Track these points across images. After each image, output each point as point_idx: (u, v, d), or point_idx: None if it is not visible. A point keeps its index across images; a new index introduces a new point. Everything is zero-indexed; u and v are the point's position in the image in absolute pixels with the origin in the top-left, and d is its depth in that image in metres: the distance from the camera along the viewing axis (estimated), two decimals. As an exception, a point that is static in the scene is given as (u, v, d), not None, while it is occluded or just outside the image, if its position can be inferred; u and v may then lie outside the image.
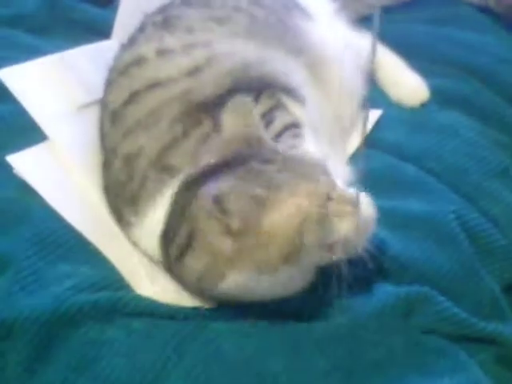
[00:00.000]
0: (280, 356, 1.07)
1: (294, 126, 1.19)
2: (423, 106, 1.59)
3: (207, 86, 1.24)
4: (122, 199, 1.21)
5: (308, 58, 1.39)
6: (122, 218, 1.21)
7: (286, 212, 1.04)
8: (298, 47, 1.39)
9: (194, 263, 1.09)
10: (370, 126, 1.49)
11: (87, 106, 1.45)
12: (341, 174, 1.24)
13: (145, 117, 1.23)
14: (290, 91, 1.25)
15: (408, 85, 1.62)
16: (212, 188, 1.05)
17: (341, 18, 1.63)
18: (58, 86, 1.47)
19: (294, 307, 1.13)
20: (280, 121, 1.19)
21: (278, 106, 1.22)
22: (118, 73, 1.34)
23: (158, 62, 1.29)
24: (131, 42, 1.41)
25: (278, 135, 1.16)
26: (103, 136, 1.31)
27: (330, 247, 1.07)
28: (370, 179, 1.29)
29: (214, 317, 1.11)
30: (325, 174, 1.10)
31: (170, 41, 1.33)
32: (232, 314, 1.11)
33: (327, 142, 1.32)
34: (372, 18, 0.85)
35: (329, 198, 1.06)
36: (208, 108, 1.20)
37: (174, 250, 1.11)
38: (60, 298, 1.10)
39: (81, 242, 1.20)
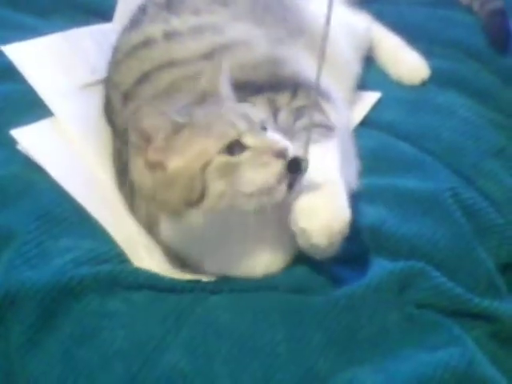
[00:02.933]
0: (278, 328, 1.09)
1: (325, 127, 1.18)
2: (423, 85, 1.61)
3: (233, 71, 1.23)
4: None
5: (307, 36, 1.40)
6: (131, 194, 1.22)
7: (190, 152, 1.04)
8: (297, 26, 1.41)
9: (139, 210, 1.14)
10: (368, 107, 1.51)
11: (90, 85, 1.47)
12: None
13: (164, 89, 1.25)
14: (323, 93, 1.26)
15: (408, 63, 1.64)
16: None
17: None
18: (62, 64, 1.49)
19: (293, 281, 1.15)
20: (311, 117, 1.17)
21: (315, 105, 1.19)
22: (124, 54, 1.36)
23: (167, 44, 1.31)
24: (134, 23, 1.42)
25: (305, 128, 1.14)
26: (113, 114, 1.34)
27: (251, 197, 1.03)
28: (368, 157, 1.32)
29: (212, 289, 1.13)
30: (249, 121, 1.06)
31: (177, 23, 1.34)
32: (231, 287, 1.13)
33: None
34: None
35: (243, 146, 1.03)
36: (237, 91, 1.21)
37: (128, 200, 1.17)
38: (62, 270, 1.12)
39: (83, 216, 1.21)
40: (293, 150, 1.03)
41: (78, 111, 1.41)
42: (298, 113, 1.19)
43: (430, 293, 1.15)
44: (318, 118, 1.18)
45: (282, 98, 1.22)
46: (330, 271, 1.16)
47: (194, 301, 1.11)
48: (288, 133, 1.14)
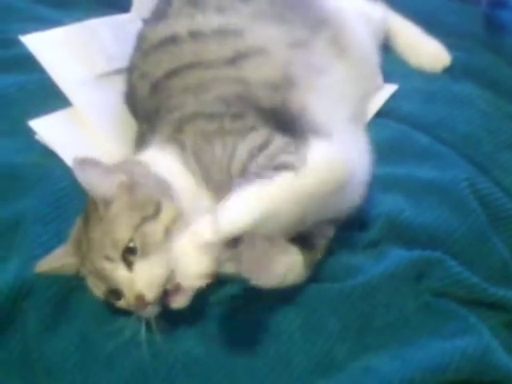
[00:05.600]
0: (294, 315, 1.10)
1: (277, 168, 1.10)
2: (440, 75, 1.61)
3: (258, 87, 1.25)
4: None
5: (329, 28, 1.40)
6: None
7: None
8: (319, 19, 1.40)
9: None
10: (384, 99, 1.51)
11: (107, 74, 1.48)
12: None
13: (194, 84, 1.26)
14: (317, 130, 1.21)
15: (429, 51, 1.64)
16: None
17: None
18: (80, 54, 1.50)
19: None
20: (276, 160, 1.13)
21: (286, 146, 1.17)
22: (152, 46, 1.37)
23: (194, 44, 1.32)
24: (160, 15, 1.43)
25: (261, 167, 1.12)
26: (138, 100, 1.35)
27: None
28: (385, 148, 1.33)
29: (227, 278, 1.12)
30: None
31: (201, 21, 1.34)
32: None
33: (349, 111, 1.33)
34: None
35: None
36: (256, 113, 1.22)
37: None
38: (79, 258, 1.13)
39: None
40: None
41: (95, 101, 1.43)
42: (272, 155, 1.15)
43: (447, 282, 1.15)
44: (283, 158, 1.13)
45: (279, 141, 1.17)
46: (346, 260, 1.17)
47: (209, 289, 1.11)
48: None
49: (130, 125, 1.37)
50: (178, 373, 1.05)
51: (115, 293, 1.07)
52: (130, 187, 1.09)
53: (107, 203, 1.07)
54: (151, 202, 1.08)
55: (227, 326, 1.09)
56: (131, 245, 1.05)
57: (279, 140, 1.17)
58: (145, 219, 1.06)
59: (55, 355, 1.09)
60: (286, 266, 1.08)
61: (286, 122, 1.21)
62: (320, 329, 1.09)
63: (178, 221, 1.08)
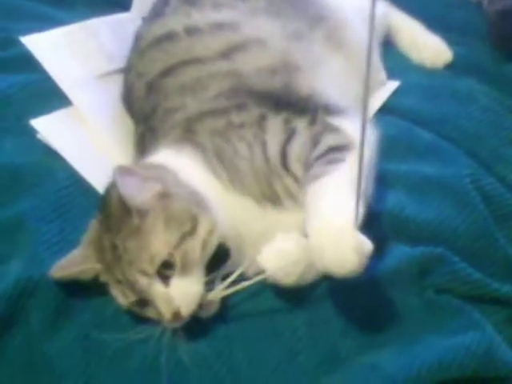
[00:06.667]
0: (298, 312, 1.10)
1: (340, 149, 1.13)
2: (442, 71, 1.61)
3: (251, 75, 1.26)
4: None
5: (325, 25, 1.40)
6: None
7: None
8: (317, 14, 1.41)
9: None
10: (386, 96, 1.51)
11: (107, 74, 1.48)
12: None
13: (190, 83, 1.26)
14: (335, 109, 1.24)
15: (430, 47, 1.65)
16: None
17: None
18: (80, 54, 1.50)
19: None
20: (325, 143, 1.16)
21: (331, 128, 1.20)
22: (147, 45, 1.37)
23: (189, 40, 1.32)
24: (157, 14, 1.43)
25: (320, 156, 1.13)
26: (134, 101, 1.35)
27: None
28: (388, 144, 1.32)
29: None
30: None
31: (198, 18, 1.35)
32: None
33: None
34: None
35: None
36: (256, 99, 1.22)
37: None
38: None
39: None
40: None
41: (95, 100, 1.43)
42: (315, 139, 1.17)
43: (450, 278, 1.15)
44: (332, 140, 1.16)
45: (301, 123, 1.19)
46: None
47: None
48: (305, 162, 1.14)
49: (130, 124, 1.37)
50: (183, 370, 1.05)
51: (141, 302, 1.07)
52: (165, 197, 1.07)
53: (142, 213, 1.05)
54: (188, 217, 1.06)
55: (231, 322, 1.09)
56: (167, 259, 1.04)
57: (300, 121, 1.18)
58: (184, 236, 1.05)
59: (58, 355, 1.09)
60: (305, 264, 1.07)
61: (294, 105, 1.22)
62: (324, 325, 1.09)
63: (214, 232, 1.07)
